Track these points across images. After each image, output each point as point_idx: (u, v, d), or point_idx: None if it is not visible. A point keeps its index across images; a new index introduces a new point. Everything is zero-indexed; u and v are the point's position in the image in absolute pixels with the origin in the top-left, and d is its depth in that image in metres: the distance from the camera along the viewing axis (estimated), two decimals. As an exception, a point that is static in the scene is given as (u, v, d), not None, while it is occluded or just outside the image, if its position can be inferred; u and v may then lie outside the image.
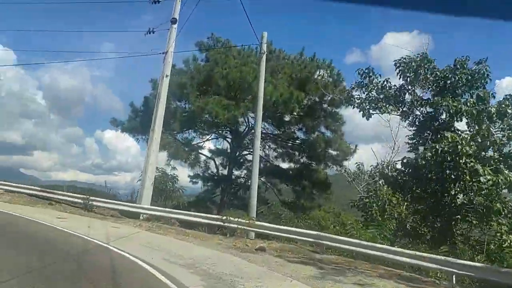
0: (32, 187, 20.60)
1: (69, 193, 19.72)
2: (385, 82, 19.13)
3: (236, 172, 28.70)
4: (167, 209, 17.44)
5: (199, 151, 27.02)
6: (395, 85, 19.22)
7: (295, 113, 25.17)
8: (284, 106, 20.93)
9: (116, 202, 18.45)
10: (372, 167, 26.69)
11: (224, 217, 15.57)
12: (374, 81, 19.23)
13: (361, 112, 19.32)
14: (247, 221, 15.17)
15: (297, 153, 27.83)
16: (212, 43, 25.21)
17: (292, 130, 27.39)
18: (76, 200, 18.96)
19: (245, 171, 29.65)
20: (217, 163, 27.98)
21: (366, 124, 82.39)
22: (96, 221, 15.55)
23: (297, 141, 27.40)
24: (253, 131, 27.35)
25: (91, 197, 18.67)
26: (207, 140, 28.32)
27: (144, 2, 19.93)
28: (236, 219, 15.31)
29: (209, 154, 28.89)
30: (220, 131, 27.93)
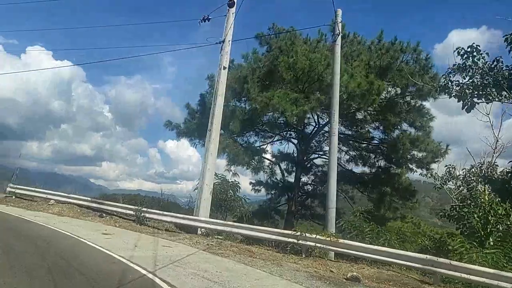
0: (83, 197, 18.93)
1: (120, 204, 17.72)
2: (495, 62, 15.20)
3: (302, 178, 25.67)
4: (228, 223, 14.76)
5: (263, 155, 24.17)
6: (507, 66, 15.22)
7: (371, 109, 21.70)
8: (362, 99, 17.51)
9: (170, 214, 16.07)
10: (465, 170, 22.55)
11: (298, 233, 12.55)
12: (479, 62, 15.36)
13: (461, 103, 15.59)
14: (328, 238, 12.05)
15: (372, 156, 24.24)
16: (274, 34, 22.34)
17: (367, 129, 23.84)
18: (128, 211, 16.94)
19: (312, 177, 26.59)
20: (281, 168, 25.02)
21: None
22: (146, 238, 13.18)
23: (373, 142, 23.80)
24: (323, 131, 24.16)
25: (143, 209, 16.51)
26: (270, 143, 25.44)
27: None
28: (314, 236, 12.24)
29: (272, 159, 26.11)
30: (284, 133, 25.02)
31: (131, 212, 16.73)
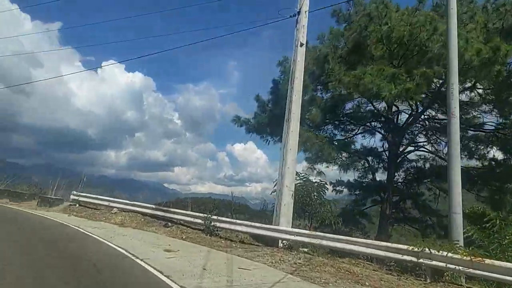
0: (148, 205, 16.86)
1: (187, 212, 15.36)
2: None
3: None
4: (318, 234, 11.63)
5: (351, 149, 20.45)
6: None
7: (481, 87, 17.49)
8: (480, 71, 13.48)
9: (245, 223, 13.37)
10: None
11: (419, 249, 9.21)
12: None
13: None
14: (467, 258, 8.56)
15: (481, 146, 19.80)
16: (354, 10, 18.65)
17: (476, 113, 19.43)
18: (196, 220, 14.56)
19: (403, 174, 22.65)
20: (370, 164, 21.31)
21: None
22: (218, 255, 10.49)
23: (484, 129, 19.34)
24: (420, 118, 20.24)
25: (213, 217, 14.01)
26: (354, 136, 21.68)
27: None
28: (445, 254, 8.82)
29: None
30: (369, 123, 21.39)
31: (200, 221, 14.34)
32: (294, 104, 13.42)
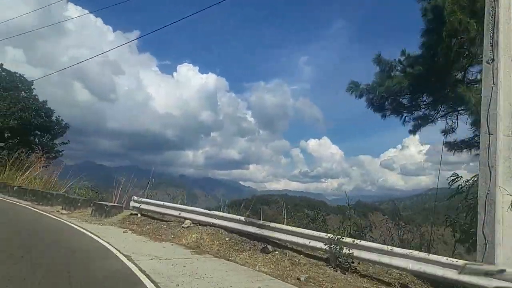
0: (234, 216, 11.23)
1: (297, 230, 9.51)
2: None
3: None
4: None
5: None
6: None
7: None
8: None
9: (413, 254, 7.21)
10: None
11: None
12: None
13: None
14: None
15: None
16: None
17: None
18: (312, 242, 8.82)
19: None
20: None
21: None
22: None
23: None
24: None
25: (345, 240, 8.17)
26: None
27: None
28: None
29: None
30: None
31: (318, 245, 8.60)
32: (502, 33, 7.01)
